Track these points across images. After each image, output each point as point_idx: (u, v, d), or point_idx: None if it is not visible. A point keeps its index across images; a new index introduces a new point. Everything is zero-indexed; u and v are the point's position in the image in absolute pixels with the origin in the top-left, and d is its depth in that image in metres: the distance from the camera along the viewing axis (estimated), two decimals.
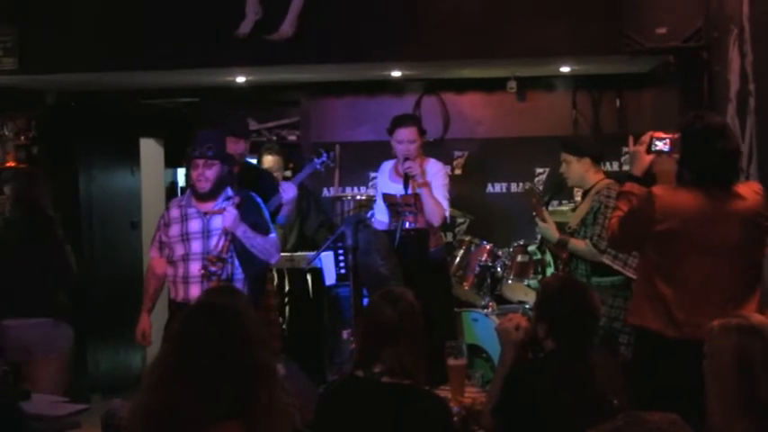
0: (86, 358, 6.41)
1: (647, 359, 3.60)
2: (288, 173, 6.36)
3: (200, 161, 4.60)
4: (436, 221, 5.35)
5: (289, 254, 5.85)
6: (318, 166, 5.65)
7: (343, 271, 5.35)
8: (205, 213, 4.67)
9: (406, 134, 5.28)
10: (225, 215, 4.56)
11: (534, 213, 5.04)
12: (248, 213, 4.66)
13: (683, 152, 3.58)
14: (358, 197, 6.86)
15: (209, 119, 6.18)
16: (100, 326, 6.97)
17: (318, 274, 5.78)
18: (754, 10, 4.68)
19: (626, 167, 6.92)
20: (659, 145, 3.70)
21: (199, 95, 7.53)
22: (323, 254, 5.36)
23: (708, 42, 5.42)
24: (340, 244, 5.22)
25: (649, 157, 3.76)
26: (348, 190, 7.17)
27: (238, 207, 4.59)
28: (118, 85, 7.22)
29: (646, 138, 3.76)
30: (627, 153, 3.97)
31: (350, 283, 5.11)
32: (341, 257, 5.32)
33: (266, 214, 4.83)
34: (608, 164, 6.87)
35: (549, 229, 4.93)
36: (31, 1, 6.34)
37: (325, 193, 7.20)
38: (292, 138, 7.34)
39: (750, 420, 2.47)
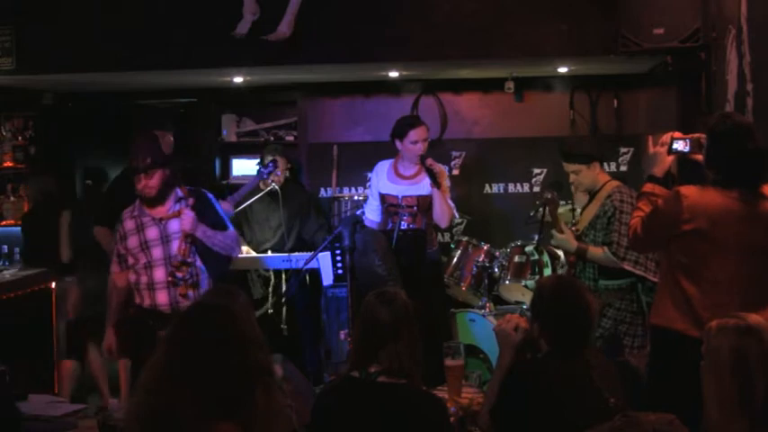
0: (83, 359, 6.39)
1: (668, 359, 3.56)
2: (287, 173, 6.35)
3: (141, 174, 4.57)
4: (444, 223, 5.37)
5: (287, 255, 5.84)
6: (265, 176, 5.66)
7: (340, 272, 5.36)
8: (160, 219, 4.62)
9: (420, 133, 5.37)
10: (182, 218, 4.52)
11: (551, 222, 4.94)
12: (204, 212, 4.62)
13: (710, 152, 3.55)
14: (356, 197, 6.86)
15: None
16: (96, 326, 6.93)
17: (316, 274, 5.78)
18: (752, 11, 4.68)
19: (624, 168, 6.97)
20: (679, 145, 3.69)
21: (196, 96, 7.53)
22: (321, 254, 5.36)
23: (706, 43, 5.41)
24: (337, 245, 5.22)
25: (670, 158, 3.75)
26: (346, 190, 7.17)
27: (194, 208, 4.55)
28: (115, 86, 7.22)
29: (666, 138, 3.74)
30: (647, 154, 3.92)
31: (347, 283, 5.11)
32: (338, 258, 5.33)
33: (220, 210, 4.80)
34: (606, 164, 6.88)
35: (567, 240, 4.84)
36: (28, 1, 6.33)
37: (323, 193, 7.19)
38: (290, 138, 7.33)
39: (747, 420, 2.47)
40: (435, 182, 5.23)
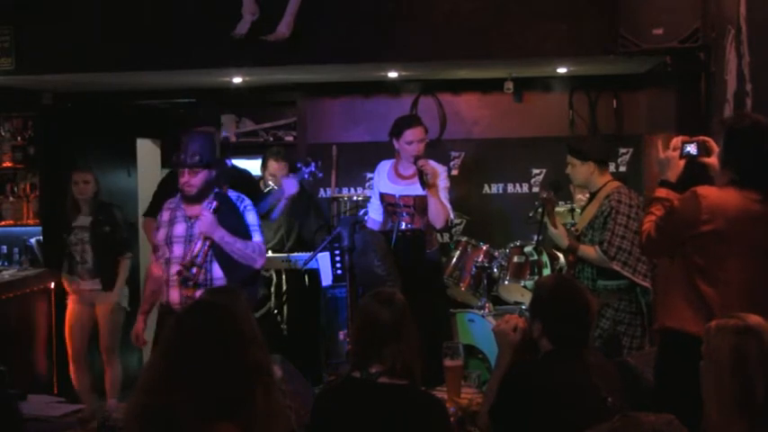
0: None
1: (680, 362, 3.51)
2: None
3: (186, 169, 4.52)
4: (440, 224, 5.34)
5: (286, 255, 5.84)
6: (306, 176, 5.62)
7: (339, 272, 5.35)
8: (189, 218, 4.59)
9: (416, 134, 5.32)
10: (200, 219, 4.47)
11: (547, 220, 4.98)
12: (226, 217, 4.55)
13: (728, 152, 3.51)
14: (355, 198, 6.86)
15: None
16: None
17: (315, 274, 5.78)
18: (751, 11, 4.69)
19: (623, 168, 6.97)
20: (691, 149, 3.67)
21: (195, 96, 7.52)
22: (320, 255, 5.36)
23: (705, 43, 5.42)
24: (337, 245, 5.21)
25: (681, 162, 3.72)
26: (345, 191, 7.18)
27: (216, 211, 4.49)
28: (114, 86, 7.21)
29: (677, 142, 3.70)
30: (658, 160, 3.90)
31: (347, 283, 5.10)
32: (337, 258, 5.32)
33: (247, 218, 4.68)
34: None
35: (560, 235, 4.88)
36: (28, 1, 6.32)
37: (322, 193, 7.20)
38: (289, 138, 7.33)
39: (746, 421, 2.47)
40: (423, 182, 5.21)
